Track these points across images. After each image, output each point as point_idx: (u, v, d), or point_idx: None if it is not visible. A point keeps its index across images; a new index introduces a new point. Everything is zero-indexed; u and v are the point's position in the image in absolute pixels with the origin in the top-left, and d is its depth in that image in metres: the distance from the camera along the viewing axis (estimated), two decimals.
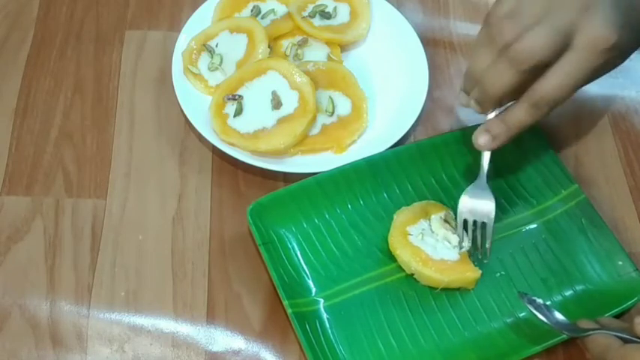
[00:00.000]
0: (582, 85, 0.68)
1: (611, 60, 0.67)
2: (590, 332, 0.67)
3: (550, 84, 0.66)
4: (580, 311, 0.72)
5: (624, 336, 0.65)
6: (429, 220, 0.76)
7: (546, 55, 0.65)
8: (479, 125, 0.81)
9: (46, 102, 0.83)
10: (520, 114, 0.69)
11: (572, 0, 0.66)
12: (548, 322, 0.68)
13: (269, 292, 0.73)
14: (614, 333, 0.66)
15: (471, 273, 0.73)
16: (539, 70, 0.66)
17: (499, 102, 0.71)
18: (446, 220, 0.75)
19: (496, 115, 0.72)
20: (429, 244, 0.74)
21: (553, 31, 0.65)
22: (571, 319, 0.70)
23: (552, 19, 0.65)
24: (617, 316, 0.73)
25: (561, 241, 0.77)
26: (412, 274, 0.74)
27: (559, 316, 0.68)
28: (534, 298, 0.69)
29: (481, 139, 0.72)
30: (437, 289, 0.73)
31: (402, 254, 0.73)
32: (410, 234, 0.74)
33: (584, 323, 0.68)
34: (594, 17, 0.65)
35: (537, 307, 0.68)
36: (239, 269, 0.75)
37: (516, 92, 0.69)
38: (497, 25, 0.67)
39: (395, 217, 0.75)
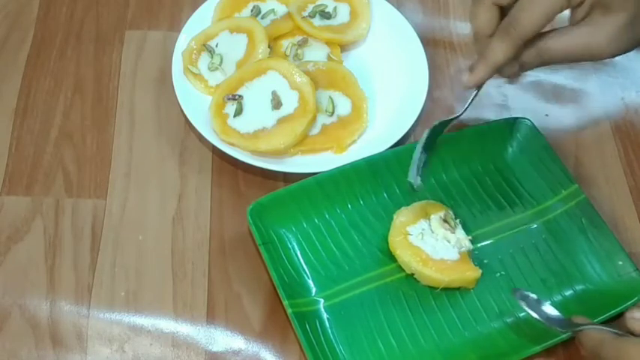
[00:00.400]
0: (555, 13, 0.66)
1: None
2: (583, 327, 0.67)
3: (522, 9, 0.67)
4: (580, 311, 0.72)
5: (617, 331, 0.65)
6: (429, 220, 0.76)
7: None
8: (479, 125, 0.81)
9: (46, 102, 0.83)
10: (496, 43, 0.69)
11: None
12: (539, 318, 0.68)
13: (269, 292, 0.73)
14: (607, 328, 0.66)
15: (471, 272, 0.73)
16: None
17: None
18: (445, 220, 0.75)
19: None
20: (429, 244, 0.74)
21: None
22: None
23: None
24: (617, 316, 0.73)
25: (561, 241, 0.77)
26: (412, 274, 0.74)
27: (552, 311, 0.68)
28: (527, 293, 0.69)
29: (464, 77, 0.72)
30: (437, 288, 0.73)
31: (403, 254, 0.73)
32: (410, 234, 0.74)
33: (578, 319, 0.68)
34: None
35: (530, 303, 0.68)
36: (239, 269, 0.75)
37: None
38: None
39: (395, 217, 0.75)
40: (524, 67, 0.73)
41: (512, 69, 0.72)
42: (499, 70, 0.72)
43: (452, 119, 0.74)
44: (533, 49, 0.70)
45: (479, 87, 0.73)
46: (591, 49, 0.68)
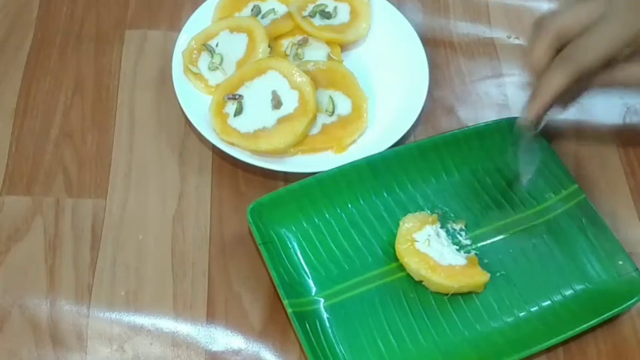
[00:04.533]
0: (615, 51, 0.68)
1: None
2: None
3: (583, 39, 0.68)
4: (580, 311, 0.72)
5: None
6: (435, 225, 0.75)
7: (574, 21, 0.68)
8: (479, 125, 0.81)
9: (46, 102, 0.83)
10: (551, 73, 0.70)
11: None
12: None
13: (269, 292, 0.73)
14: None
15: (479, 277, 0.73)
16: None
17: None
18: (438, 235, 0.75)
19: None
20: (437, 250, 0.74)
21: (586, 7, 0.68)
22: (571, 319, 0.71)
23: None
24: (617, 317, 0.73)
25: (561, 241, 0.77)
26: (421, 281, 0.73)
27: None
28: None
29: (522, 114, 0.73)
30: (447, 294, 0.73)
31: (410, 262, 0.73)
32: (416, 240, 0.74)
33: None
34: None
35: None
36: (239, 269, 0.75)
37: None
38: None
39: (400, 223, 0.75)
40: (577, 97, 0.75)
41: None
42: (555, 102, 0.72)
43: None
44: (598, 79, 0.72)
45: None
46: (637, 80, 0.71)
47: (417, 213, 0.76)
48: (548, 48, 0.70)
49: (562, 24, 0.69)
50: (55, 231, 0.75)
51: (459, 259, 0.74)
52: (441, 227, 0.76)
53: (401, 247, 0.74)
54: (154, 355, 0.70)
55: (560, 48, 0.70)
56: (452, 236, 0.76)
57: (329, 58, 0.86)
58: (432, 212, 0.77)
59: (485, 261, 0.75)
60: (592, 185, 0.82)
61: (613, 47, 0.68)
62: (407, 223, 0.75)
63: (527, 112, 0.72)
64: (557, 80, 0.69)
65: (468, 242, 0.76)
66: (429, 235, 0.75)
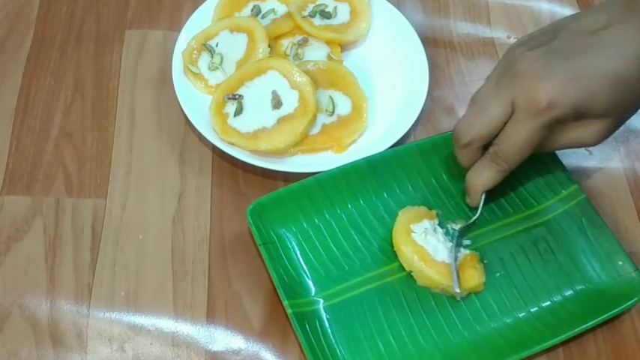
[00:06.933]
0: (538, 144, 0.70)
1: (560, 118, 0.68)
2: None
3: (501, 139, 0.70)
4: (580, 311, 0.72)
5: None
6: (433, 221, 0.76)
7: (483, 130, 0.70)
8: None
9: (46, 101, 0.83)
10: (480, 169, 0.73)
11: (508, 73, 0.69)
12: None
13: (269, 292, 0.73)
14: None
15: (468, 281, 0.73)
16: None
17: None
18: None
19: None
20: (432, 244, 0.74)
21: (487, 111, 0.70)
22: (571, 319, 0.71)
23: (495, 94, 0.70)
24: (617, 317, 0.73)
25: (561, 241, 0.77)
26: (410, 272, 0.73)
27: None
28: None
29: (467, 200, 0.77)
30: (446, 294, 0.73)
31: (406, 250, 0.73)
32: (414, 232, 0.74)
33: None
34: (527, 81, 0.68)
35: None
36: (239, 269, 0.75)
37: None
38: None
39: (399, 214, 0.75)
40: None
41: None
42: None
43: (471, 223, 0.76)
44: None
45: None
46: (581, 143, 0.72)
47: (416, 206, 0.77)
48: (475, 154, 0.73)
49: (480, 135, 0.71)
50: (55, 231, 0.75)
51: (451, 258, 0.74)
52: (441, 227, 0.76)
53: (398, 235, 0.74)
54: (153, 355, 0.70)
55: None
56: (451, 236, 0.76)
57: (329, 58, 0.86)
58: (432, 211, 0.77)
59: (485, 261, 0.75)
60: (592, 185, 0.82)
61: (534, 142, 0.70)
62: (406, 214, 0.75)
63: (469, 201, 0.76)
64: (490, 178, 0.73)
65: (468, 242, 0.76)
66: (426, 229, 0.75)
